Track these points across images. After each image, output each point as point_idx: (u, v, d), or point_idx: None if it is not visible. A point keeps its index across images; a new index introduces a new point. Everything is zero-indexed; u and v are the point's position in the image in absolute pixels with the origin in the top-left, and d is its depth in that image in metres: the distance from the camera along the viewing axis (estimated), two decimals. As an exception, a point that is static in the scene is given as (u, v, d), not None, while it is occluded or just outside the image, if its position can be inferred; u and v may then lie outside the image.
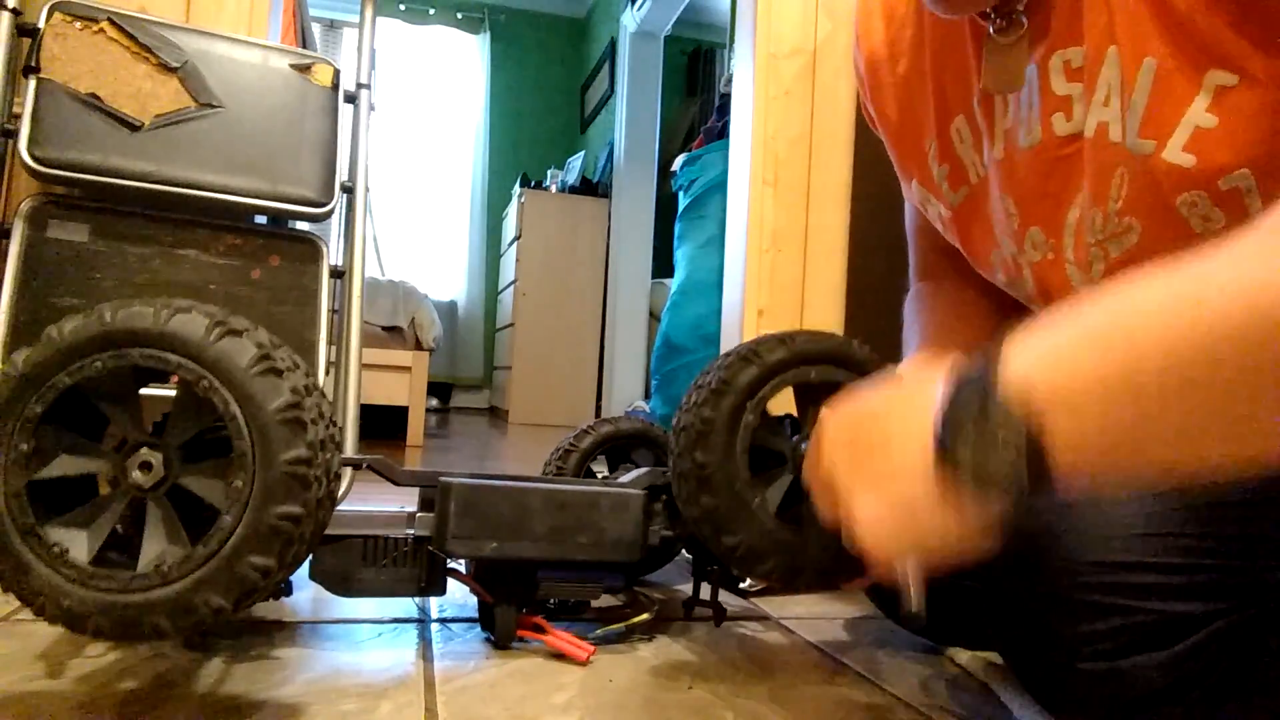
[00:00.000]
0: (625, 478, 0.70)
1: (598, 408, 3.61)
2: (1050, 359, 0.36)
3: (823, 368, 0.55)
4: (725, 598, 0.64)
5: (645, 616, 0.66)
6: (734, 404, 0.53)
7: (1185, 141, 0.48)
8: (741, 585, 0.79)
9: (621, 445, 0.87)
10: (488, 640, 0.63)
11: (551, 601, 0.68)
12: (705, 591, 0.64)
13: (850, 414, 0.46)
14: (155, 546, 0.44)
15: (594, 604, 0.67)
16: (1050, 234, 0.59)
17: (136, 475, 0.45)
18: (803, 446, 0.55)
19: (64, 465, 0.45)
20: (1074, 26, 0.52)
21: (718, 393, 0.54)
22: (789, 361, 0.54)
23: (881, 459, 0.42)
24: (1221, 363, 0.31)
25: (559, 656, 0.60)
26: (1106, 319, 0.36)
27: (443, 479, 0.60)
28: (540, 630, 0.62)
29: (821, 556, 0.54)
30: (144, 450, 0.45)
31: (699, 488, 0.53)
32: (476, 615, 0.69)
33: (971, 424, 0.37)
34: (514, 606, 0.62)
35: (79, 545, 0.44)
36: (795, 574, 0.54)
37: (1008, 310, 0.73)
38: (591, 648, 0.60)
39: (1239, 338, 0.31)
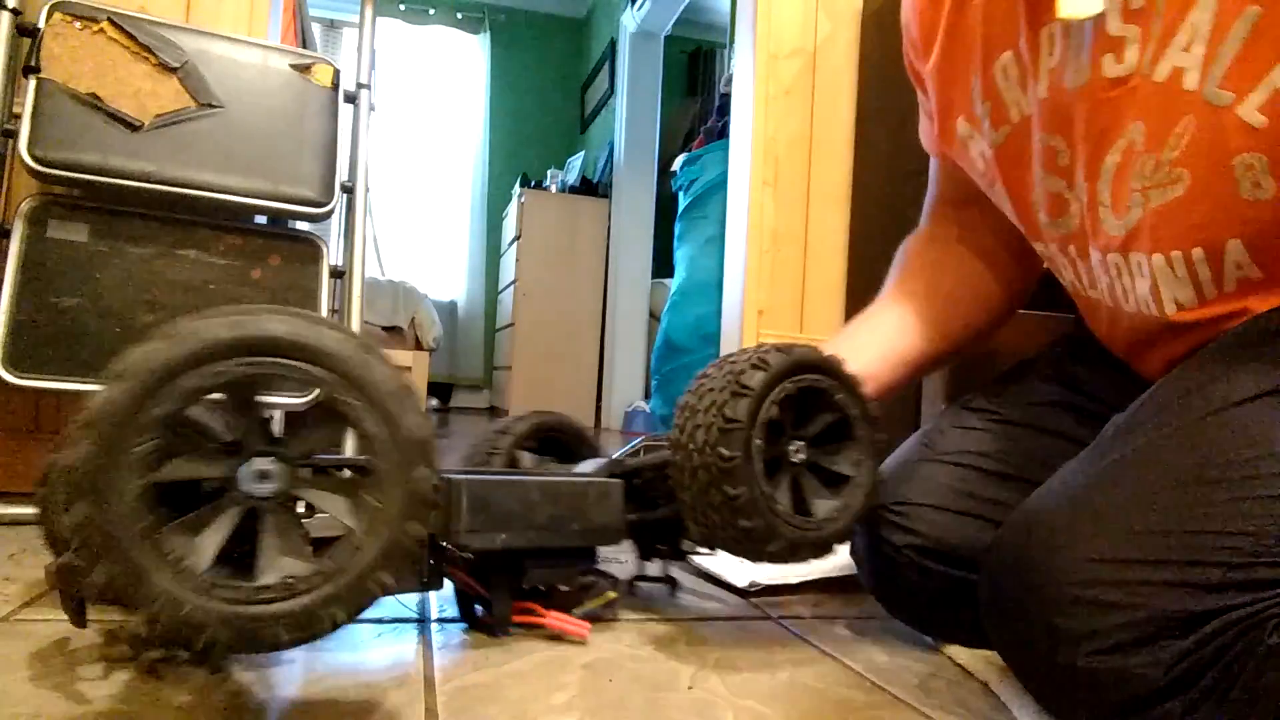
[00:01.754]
0: (585, 467, 0.76)
1: (598, 408, 3.61)
2: None
3: (798, 378, 0.62)
4: (728, 598, 0.65)
5: (613, 594, 0.70)
6: (745, 436, 0.58)
7: (1263, 102, 0.47)
8: (688, 553, 0.82)
9: (545, 438, 0.89)
10: (488, 636, 0.63)
11: (525, 586, 0.69)
12: (653, 569, 0.71)
13: None
14: (272, 558, 0.43)
15: (561, 588, 0.69)
16: (1088, 177, 0.59)
17: (255, 485, 0.44)
18: (790, 447, 0.63)
19: (182, 469, 0.43)
20: None
21: (726, 431, 0.58)
22: (772, 381, 0.60)
23: None
24: None
25: (557, 638, 0.61)
26: None
27: (446, 476, 0.61)
28: (535, 615, 0.63)
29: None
30: (264, 459, 0.45)
31: (735, 515, 0.59)
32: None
33: None
34: (507, 594, 0.64)
35: (198, 553, 0.42)
36: (823, 548, 0.63)
37: (1010, 258, 0.77)
38: (589, 624, 0.63)
39: None
